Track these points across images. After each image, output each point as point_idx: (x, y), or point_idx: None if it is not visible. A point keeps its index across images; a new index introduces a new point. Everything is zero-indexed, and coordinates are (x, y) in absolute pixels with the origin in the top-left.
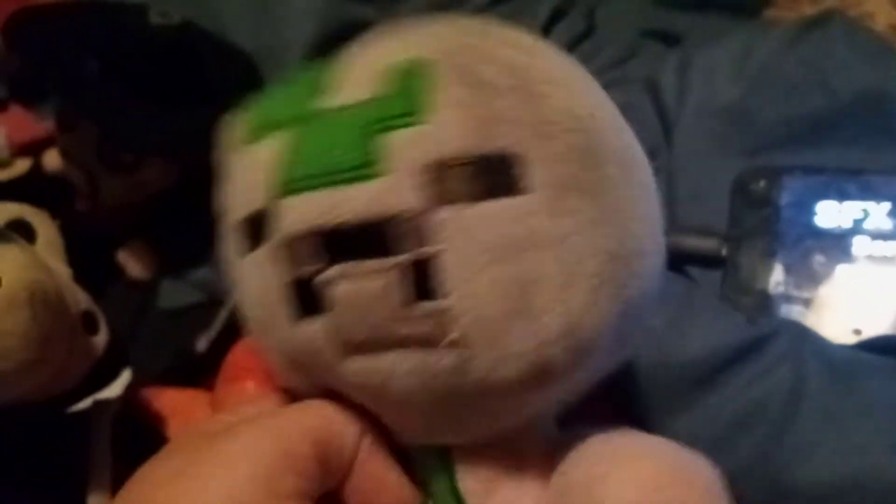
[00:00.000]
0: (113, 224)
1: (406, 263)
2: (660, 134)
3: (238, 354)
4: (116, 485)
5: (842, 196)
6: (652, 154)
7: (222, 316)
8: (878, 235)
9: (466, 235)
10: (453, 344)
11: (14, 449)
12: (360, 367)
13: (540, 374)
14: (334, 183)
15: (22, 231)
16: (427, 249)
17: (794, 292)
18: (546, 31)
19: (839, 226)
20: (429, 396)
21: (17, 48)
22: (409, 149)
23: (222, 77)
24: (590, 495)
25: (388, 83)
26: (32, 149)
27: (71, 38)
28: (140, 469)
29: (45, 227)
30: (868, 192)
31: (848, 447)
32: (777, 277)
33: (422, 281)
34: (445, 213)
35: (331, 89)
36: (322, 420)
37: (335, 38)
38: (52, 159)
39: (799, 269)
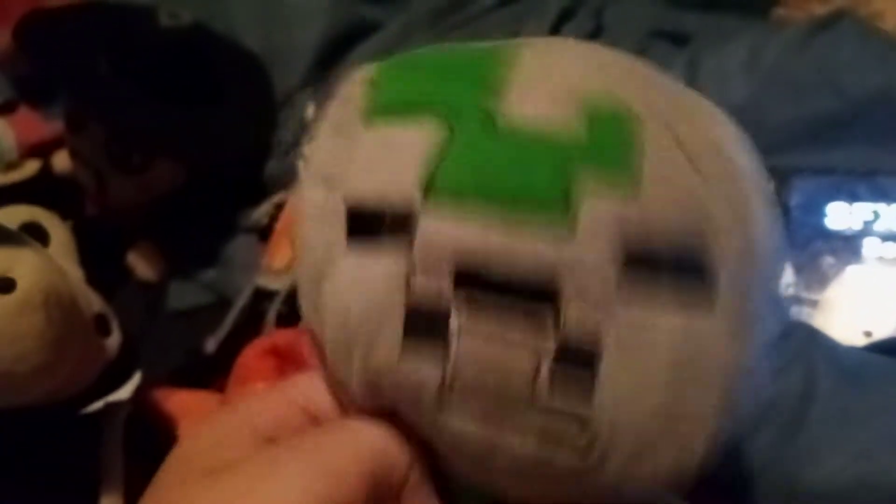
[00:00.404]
0: (122, 225)
1: (562, 346)
2: None
3: (248, 356)
4: (128, 485)
5: (852, 197)
6: None
7: (231, 316)
8: (888, 237)
9: (639, 348)
10: (580, 451)
11: (27, 450)
12: (465, 431)
13: (667, 488)
14: (516, 216)
15: (35, 234)
16: (591, 346)
17: (805, 294)
18: (554, 31)
19: (849, 227)
20: (528, 481)
21: (29, 50)
22: (613, 216)
23: (231, 78)
24: None
25: (589, 120)
26: (42, 150)
27: (81, 39)
28: (170, 491)
29: (57, 229)
30: (878, 194)
31: (858, 449)
32: (787, 279)
33: (567, 374)
34: (625, 315)
35: (504, 92)
36: (375, 452)
37: (343, 38)
38: (61, 160)
39: (809, 271)
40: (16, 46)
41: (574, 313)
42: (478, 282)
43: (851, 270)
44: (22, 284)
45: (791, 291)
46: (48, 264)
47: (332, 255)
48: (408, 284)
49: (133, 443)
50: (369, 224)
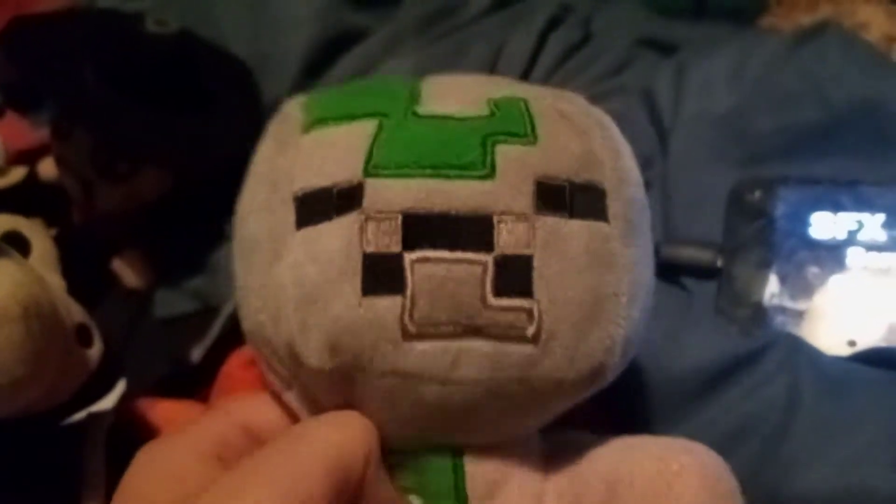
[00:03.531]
0: (108, 233)
1: (500, 257)
2: (655, 143)
3: (233, 366)
4: (110, 497)
5: (836, 207)
6: (647, 163)
7: (217, 325)
8: (872, 247)
9: (560, 245)
10: (531, 340)
11: (8, 461)
12: (426, 350)
13: (596, 377)
14: (448, 175)
15: (17, 244)
16: (523, 250)
17: (789, 304)
18: (543, 39)
19: (834, 237)
20: (484, 388)
21: (14, 56)
22: (521, 162)
23: (219, 85)
24: (667, 487)
25: (496, 108)
26: (28, 157)
27: (68, 46)
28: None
29: (39, 239)
30: (862, 204)
31: (842, 460)
32: (772, 289)
33: (509, 276)
34: (544, 222)
35: (420, 99)
36: (333, 456)
37: (331, 45)
38: (47, 168)
39: (793, 281)
40: (1, 53)
41: (505, 229)
42: (423, 222)
43: (836, 280)
44: (0, 296)
45: (775, 301)
46: (28, 275)
47: (282, 238)
48: (361, 239)
49: (116, 453)
50: (316, 207)
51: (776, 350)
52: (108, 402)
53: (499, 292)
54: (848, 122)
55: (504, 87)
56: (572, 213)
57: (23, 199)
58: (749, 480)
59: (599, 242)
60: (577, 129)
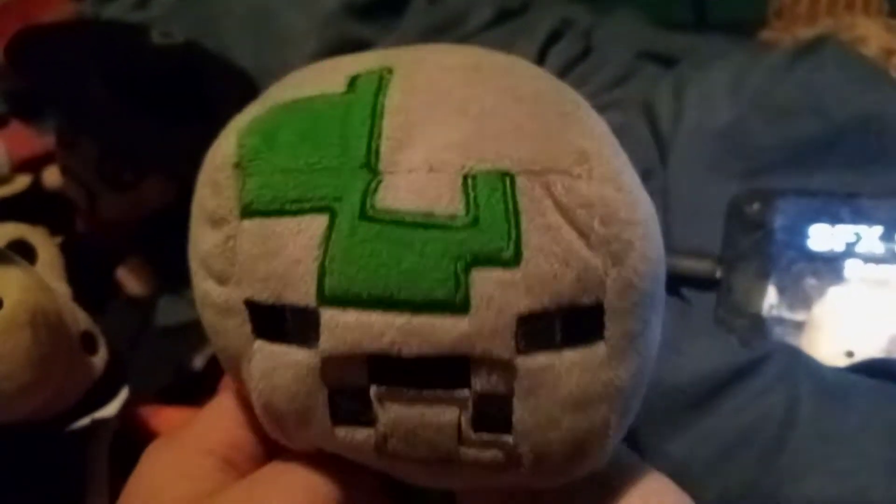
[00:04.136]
0: (112, 241)
1: (477, 396)
2: (655, 155)
3: None
4: (114, 502)
5: (834, 219)
6: (647, 175)
7: None
8: (870, 259)
9: (545, 387)
10: (514, 470)
11: (12, 467)
12: (408, 470)
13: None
14: (416, 310)
15: (23, 251)
16: (503, 390)
17: (787, 315)
18: (543, 52)
19: (832, 249)
20: (470, 489)
21: (21, 67)
22: (502, 295)
23: (223, 96)
24: None
25: (473, 200)
26: (32, 165)
27: (74, 57)
28: None
29: (45, 246)
30: (860, 216)
31: (841, 470)
32: (770, 300)
33: (487, 414)
34: (527, 364)
35: (385, 163)
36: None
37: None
38: (51, 176)
39: (792, 292)
40: (7, 63)
41: (482, 371)
42: (390, 362)
43: (834, 292)
44: (7, 303)
45: (774, 312)
46: (35, 282)
47: (243, 341)
48: (322, 374)
49: (119, 460)
50: (272, 318)
51: (775, 361)
52: (111, 409)
53: (477, 428)
54: (846, 136)
55: (489, 129)
56: (562, 344)
57: (27, 207)
58: (749, 490)
59: (591, 374)
60: (573, 230)
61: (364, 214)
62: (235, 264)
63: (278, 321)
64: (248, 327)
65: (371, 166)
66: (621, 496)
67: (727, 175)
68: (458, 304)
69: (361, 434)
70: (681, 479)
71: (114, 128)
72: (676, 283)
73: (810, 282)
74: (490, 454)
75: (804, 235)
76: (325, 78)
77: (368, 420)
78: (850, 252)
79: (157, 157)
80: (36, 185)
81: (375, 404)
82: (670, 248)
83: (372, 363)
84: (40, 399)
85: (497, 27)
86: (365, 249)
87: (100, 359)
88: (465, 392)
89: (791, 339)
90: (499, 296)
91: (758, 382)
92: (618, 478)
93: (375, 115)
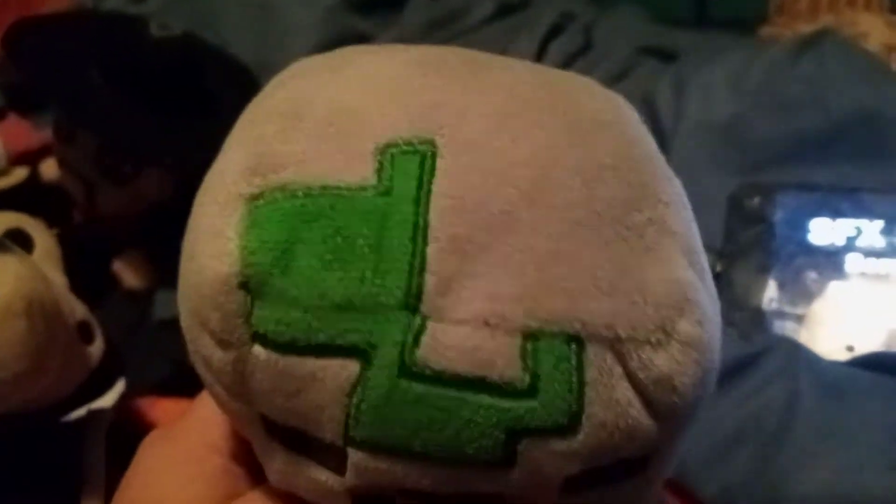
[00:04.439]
0: (109, 233)
1: None
2: None
3: None
4: (109, 494)
5: (835, 213)
6: None
7: None
8: (870, 253)
9: None
10: None
11: (8, 457)
12: None
13: None
14: (456, 463)
15: (20, 241)
16: None
17: (788, 308)
18: (544, 46)
19: (832, 243)
20: None
21: (19, 59)
22: (553, 461)
23: (222, 89)
24: None
25: (535, 360)
26: (30, 158)
27: (72, 49)
28: None
29: (42, 236)
30: (861, 210)
31: (840, 463)
32: (771, 294)
33: None
34: (564, 500)
35: (430, 307)
36: None
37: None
38: (49, 168)
39: (792, 286)
40: (5, 55)
41: None
42: (424, 496)
43: (834, 286)
44: (4, 291)
45: (774, 306)
46: (31, 271)
47: (255, 432)
48: (351, 492)
49: (116, 451)
50: (293, 440)
51: (775, 354)
52: (108, 400)
53: None
54: (847, 130)
55: (556, 278)
56: (606, 494)
57: (24, 199)
58: (749, 483)
59: (626, 498)
60: (643, 406)
61: (404, 370)
62: (247, 384)
63: (300, 442)
64: (264, 432)
65: (412, 307)
66: None
67: (728, 169)
68: (503, 460)
69: None
70: (681, 471)
71: (112, 120)
72: None
73: (811, 276)
74: None
75: (805, 229)
76: (345, 144)
77: None
78: (850, 246)
79: (156, 149)
80: (33, 177)
81: None
82: None
83: (403, 495)
84: (36, 389)
85: (498, 21)
86: (405, 411)
87: (96, 348)
88: None
89: (791, 333)
90: (549, 463)
91: (758, 376)
92: None
93: (417, 233)
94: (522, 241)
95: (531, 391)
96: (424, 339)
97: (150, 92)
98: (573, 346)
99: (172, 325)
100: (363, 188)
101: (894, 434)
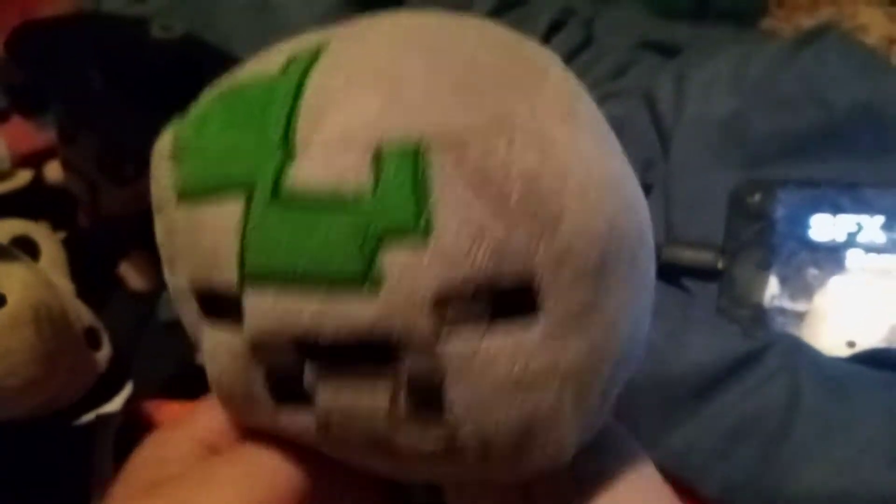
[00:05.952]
0: (114, 235)
1: (406, 381)
2: (656, 146)
3: None
4: None
5: (836, 209)
6: (649, 166)
7: None
8: (871, 248)
9: (474, 369)
10: (456, 460)
11: (18, 462)
12: (349, 455)
13: (553, 468)
14: (327, 290)
15: (26, 248)
16: (430, 373)
17: (789, 305)
18: (544, 42)
19: (833, 239)
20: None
21: (21, 61)
22: (411, 273)
23: None
24: None
25: (381, 173)
26: (33, 160)
27: (74, 51)
28: None
29: (48, 243)
30: (862, 206)
31: (842, 460)
32: (772, 290)
33: (420, 401)
34: (450, 345)
35: (300, 142)
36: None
37: None
38: (53, 170)
39: (793, 282)
40: (8, 58)
41: (406, 355)
42: (316, 346)
43: (835, 282)
44: (12, 300)
45: (776, 302)
46: (38, 279)
47: (197, 324)
48: (254, 353)
49: (124, 454)
50: (208, 305)
51: (776, 351)
52: (115, 405)
53: (410, 411)
54: (848, 125)
55: (415, 100)
56: (490, 325)
57: (29, 202)
58: (750, 480)
59: (527, 355)
60: (496, 210)
61: (275, 195)
62: (176, 254)
63: (212, 305)
64: (196, 309)
65: (287, 146)
66: (617, 495)
67: (728, 165)
68: (368, 285)
69: (304, 416)
70: (683, 469)
71: (114, 122)
72: (678, 273)
73: (812, 272)
74: (428, 440)
75: (805, 225)
76: (267, 60)
77: (308, 400)
78: (851, 242)
79: None
80: (37, 180)
81: (311, 383)
82: (672, 239)
83: (301, 345)
84: (44, 395)
85: (498, 17)
86: (276, 231)
87: (103, 355)
88: (393, 371)
89: (793, 330)
90: (408, 275)
91: (759, 373)
92: (614, 474)
93: (298, 94)
94: (378, 80)
95: (379, 197)
96: (291, 169)
97: (151, 93)
98: (416, 151)
99: (178, 326)
100: (267, 76)
101: None
